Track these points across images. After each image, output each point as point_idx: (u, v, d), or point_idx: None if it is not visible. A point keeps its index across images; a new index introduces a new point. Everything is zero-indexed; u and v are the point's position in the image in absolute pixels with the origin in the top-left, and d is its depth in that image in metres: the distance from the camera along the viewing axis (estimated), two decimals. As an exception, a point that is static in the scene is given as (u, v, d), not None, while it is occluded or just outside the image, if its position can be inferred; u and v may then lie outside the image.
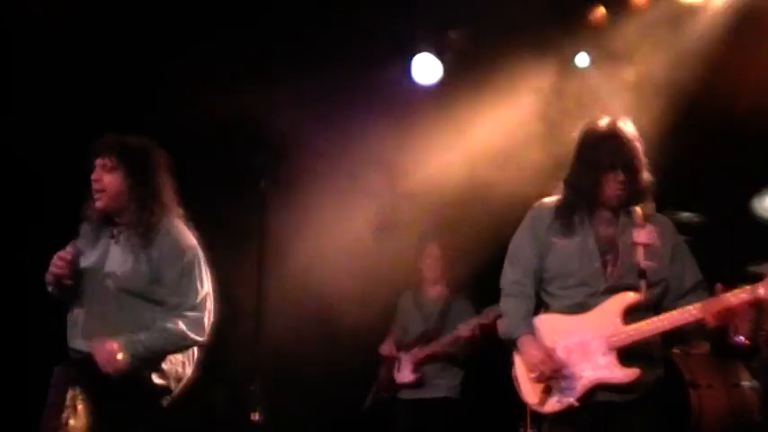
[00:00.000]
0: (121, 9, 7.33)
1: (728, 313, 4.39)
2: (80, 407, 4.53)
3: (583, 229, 4.65)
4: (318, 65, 7.75)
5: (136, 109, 7.27)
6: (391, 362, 7.63)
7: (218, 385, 7.64)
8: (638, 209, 4.60)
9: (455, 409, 7.45)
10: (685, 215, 7.46)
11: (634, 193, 4.63)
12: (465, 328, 7.18)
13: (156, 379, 4.76)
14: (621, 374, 4.41)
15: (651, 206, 4.69)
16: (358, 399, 7.76)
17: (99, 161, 4.76)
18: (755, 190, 7.56)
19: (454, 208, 8.25)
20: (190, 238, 4.86)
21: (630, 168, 4.61)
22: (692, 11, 7.86)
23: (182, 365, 4.86)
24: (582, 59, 8.43)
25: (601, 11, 8.24)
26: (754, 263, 6.69)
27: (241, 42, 7.69)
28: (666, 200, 7.46)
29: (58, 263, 4.70)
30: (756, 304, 6.54)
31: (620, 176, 4.59)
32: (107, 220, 4.84)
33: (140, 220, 4.74)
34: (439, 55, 8.55)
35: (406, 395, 7.51)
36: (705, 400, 6.69)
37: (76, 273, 4.78)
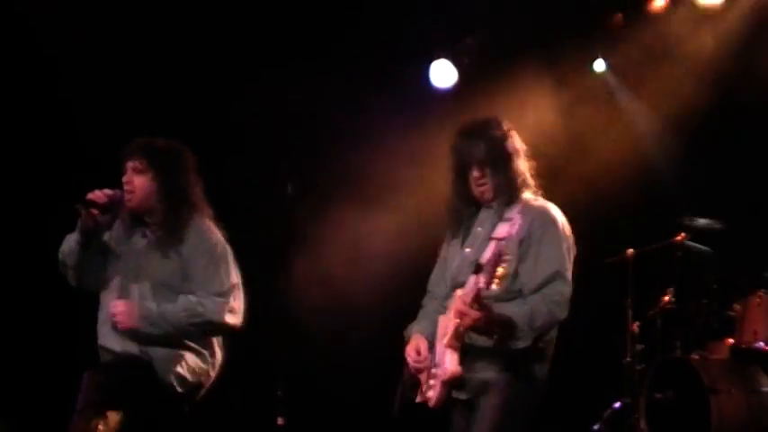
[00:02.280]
0: (157, 11, 7.38)
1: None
2: (110, 413, 4.55)
3: (464, 231, 4.67)
4: (339, 69, 7.76)
5: (168, 111, 7.31)
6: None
7: (243, 390, 7.64)
8: (512, 200, 4.55)
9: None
10: (703, 221, 7.48)
11: (499, 188, 4.55)
12: None
13: (180, 386, 4.78)
14: (445, 373, 4.41)
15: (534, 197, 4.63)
16: (384, 403, 7.75)
17: (129, 164, 4.84)
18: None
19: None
20: (218, 235, 4.93)
21: (485, 163, 4.54)
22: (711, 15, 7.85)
23: (206, 374, 4.89)
24: (599, 65, 8.46)
25: (618, 17, 8.26)
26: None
27: (258, 48, 7.72)
28: (686, 206, 7.60)
29: (96, 192, 4.78)
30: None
31: (476, 173, 4.55)
32: (138, 220, 4.92)
33: (170, 219, 4.82)
34: (455, 60, 8.58)
35: None
36: (725, 406, 6.66)
37: (104, 227, 4.89)
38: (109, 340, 4.83)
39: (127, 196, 4.83)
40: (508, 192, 4.53)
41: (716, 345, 7.20)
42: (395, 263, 7.81)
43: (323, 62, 7.78)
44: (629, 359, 7.45)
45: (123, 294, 4.85)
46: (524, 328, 4.34)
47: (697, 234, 7.44)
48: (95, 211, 4.75)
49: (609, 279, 7.80)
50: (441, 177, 7.88)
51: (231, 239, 5.00)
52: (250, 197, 7.03)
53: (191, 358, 4.82)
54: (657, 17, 8.05)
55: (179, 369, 4.78)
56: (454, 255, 4.69)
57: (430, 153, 8.10)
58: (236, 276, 4.89)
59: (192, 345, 4.84)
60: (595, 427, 7.48)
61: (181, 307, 4.75)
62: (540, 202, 4.59)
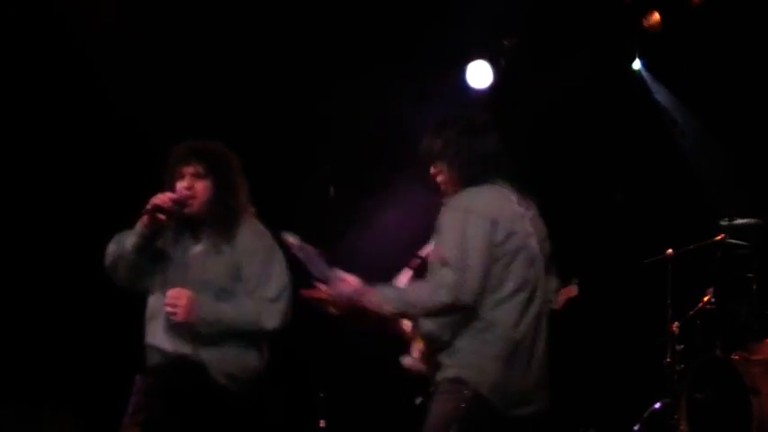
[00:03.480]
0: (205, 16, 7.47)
1: None
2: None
3: None
4: (379, 73, 7.80)
5: (210, 115, 7.41)
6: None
7: (285, 392, 7.68)
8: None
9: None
10: (742, 221, 7.45)
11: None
12: None
13: (233, 386, 4.80)
14: None
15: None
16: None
17: (189, 169, 4.83)
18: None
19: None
20: (267, 235, 4.94)
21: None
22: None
23: (257, 372, 4.91)
24: (637, 64, 8.45)
25: (656, 17, 8.23)
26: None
27: (300, 56, 7.78)
28: (726, 205, 7.57)
29: (161, 196, 4.76)
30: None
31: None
32: (186, 223, 4.90)
33: (222, 220, 4.83)
34: (492, 61, 8.61)
35: None
36: (766, 407, 6.62)
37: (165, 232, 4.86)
38: (159, 339, 4.81)
39: (188, 203, 4.81)
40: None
41: (757, 345, 7.12)
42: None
43: (362, 66, 7.83)
44: (669, 359, 7.41)
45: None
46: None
47: (736, 233, 7.41)
48: (162, 217, 4.75)
49: (649, 279, 7.78)
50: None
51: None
52: (291, 198, 7.08)
53: (242, 357, 4.82)
54: (696, 15, 7.99)
55: (231, 369, 4.78)
56: None
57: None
58: (285, 277, 4.89)
59: (244, 344, 4.84)
60: (636, 427, 7.47)
61: (237, 311, 4.75)
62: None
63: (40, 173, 7.71)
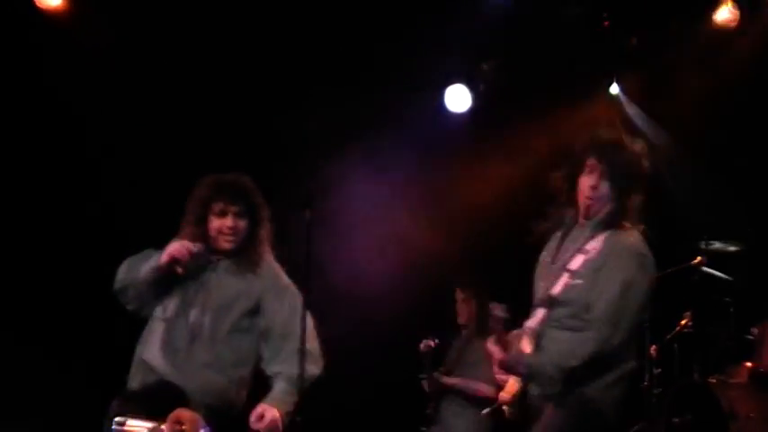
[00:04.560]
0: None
1: None
2: None
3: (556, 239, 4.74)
4: (356, 94, 7.82)
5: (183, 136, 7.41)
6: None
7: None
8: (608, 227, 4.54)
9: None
10: (720, 245, 7.48)
11: (611, 207, 4.59)
12: (471, 386, 7.21)
13: (207, 414, 4.78)
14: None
15: None
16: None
17: (232, 208, 4.90)
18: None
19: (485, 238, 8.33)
20: (279, 269, 5.04)
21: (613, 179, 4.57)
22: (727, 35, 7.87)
23: (235, 406, 4.93)
24: (614, 88, 8.51)
25: (633, 41, 8.29)
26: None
27: (277, 76, 7.80)
28: (703, 229, 7.59)
29: (180, 249, 4.80)
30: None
31: (593, 182, 4.58)
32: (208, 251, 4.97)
33: (248, 252, 4.93)
34: (470, 85, 8.64)
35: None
36: (744, 431, 6.64)
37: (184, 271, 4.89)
38: (153, 355, 4.82)
39: (229, 238, 4.91)
40: (612, 215, 4.53)
41: (734, 369, 7.16)
42: (409, 287, 7.85)
43: (340, 88, 7.85)
44: (647, 383, 7.41)
45: (181, 319, 4.86)
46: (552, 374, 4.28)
47: (714, 257, 7.43)
48: (180, 270, 4.82)
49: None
50: (456, 197, 7.98)
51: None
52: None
53: (227, 391, 4.87)
54: (673, 40, 8.05)
55: (213, 401, 4.78)
56: (542, 266, 4.68)
57: (444, 174, 8.22)
58: (310, 319, 4.92)
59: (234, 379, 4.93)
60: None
61: (296, 388, 4.78)
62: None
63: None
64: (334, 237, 7.27)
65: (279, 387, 4.82)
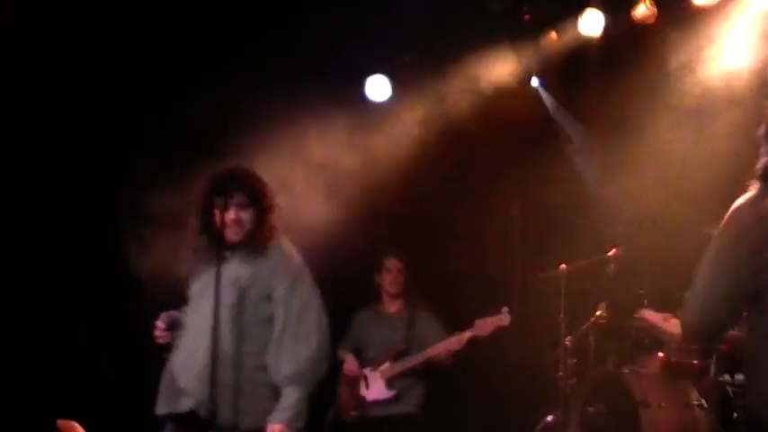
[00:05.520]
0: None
1: None
2: None
3: None
4: (280, 85, 7.81)
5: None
6: (356, 380, 7.58)
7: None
8: None
9: (420, 424, 7.47)
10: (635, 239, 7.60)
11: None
12: (439, 349, 7.25)
13: None
14: None
15: None
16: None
17: (233, 200, 4.93)
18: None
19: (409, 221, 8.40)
20: (297, 255, 5.07)
21: None
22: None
23: None
24: (534, 81, 8.60)
25: (552, 36, 8.37)
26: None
27: (198, 61, 7.75)
28: (616, 221, 7.69)
29: (156, 333, 4.98)
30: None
31: None
32: (216, 244, 4.96)
33: (255, 241, 4.96)
34: (392, 77, 8.68)
35: (377, 412, 7.47)
36: (656, 420, 6.75)
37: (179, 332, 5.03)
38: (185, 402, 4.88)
39: (234, 230, 4.92)
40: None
41: (647, 359, 7.28)
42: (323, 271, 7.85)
43: (261, 77, 7.82)
44: (561, 373, 7.51)
45: (200, 316, 4.89)
46: None
47: (629, 249, 7.54)
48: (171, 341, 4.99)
49: (542, 294, 7.89)
50: (375, 187, 8.00)
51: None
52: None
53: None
54: (591, 36, 8.15)
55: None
56: None
57: (364, 165, 8.23)
58: (317, 299, 5.00)
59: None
60: (530, 440, 7.56)
61: (306, 388, 4.86)
62: None
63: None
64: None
65: (288, 398, 4.82)
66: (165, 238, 5.89)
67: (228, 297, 4.83)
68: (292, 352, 4.84)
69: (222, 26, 7.76)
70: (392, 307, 7.72)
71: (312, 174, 7.53)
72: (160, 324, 4.98)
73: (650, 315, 3.88)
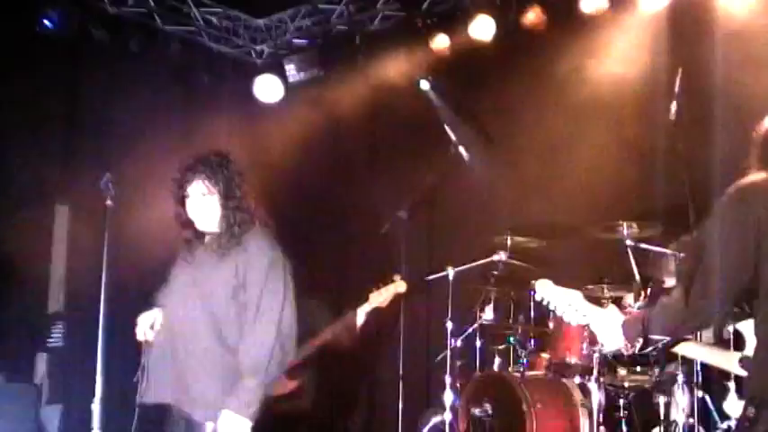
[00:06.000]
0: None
1: None
2: None
3: None
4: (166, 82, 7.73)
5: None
6: None
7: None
8: None
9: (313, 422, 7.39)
10: (521, 240, 7.66)
11: None
12: (329, 333, 7.19)
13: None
14: None
15: None
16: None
17: (195, 188, 4.90)
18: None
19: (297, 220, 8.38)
20: (273, 244, 4.98)
21: None
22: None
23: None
24: (424, 84, 8.64)
25: (443, 38, 8.43)
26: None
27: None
28: (505, 224, 7.77)
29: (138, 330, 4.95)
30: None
31: None
32: (199, 235, 4.98)
33: (232, 228, 4.87)
34: (281, 76, 8.65)
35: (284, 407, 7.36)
36: (540, 420, 6.81)
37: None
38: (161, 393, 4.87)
39: (199, 220, 4.91)
40: None
41: (532, 360, 7.36)
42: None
43: (146, 75, 7.74)
44: (448, 375, 7.52)
45: (180, 306, 4.88)
46: None
47: (514, 252, 7.61)
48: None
49: (430, 295, 7.91)
50: (264, 187, 7.95)
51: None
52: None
53: None
54: (482, 40, 8.23)
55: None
56: None
57: (252, 164, 8.17)
58: (288, 290, 4.92)
59: None
60: (417, 441, 7.56)
61: (266, 374, 4.80)
62: None
63: None
64: (138, 224, 7.15)
65: (243, 385, 4.75)
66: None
67: (206, 287, 4.83)
68: (255, 340, 4.79)
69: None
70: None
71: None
72: (142, 321, 4.94)
73: (554, 289, 3.82)
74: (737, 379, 5.77)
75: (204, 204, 4.89)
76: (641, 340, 3.55)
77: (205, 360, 4.77)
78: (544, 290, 3.84)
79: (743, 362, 3.60)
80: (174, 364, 4.79)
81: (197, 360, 4.76)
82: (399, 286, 7.11)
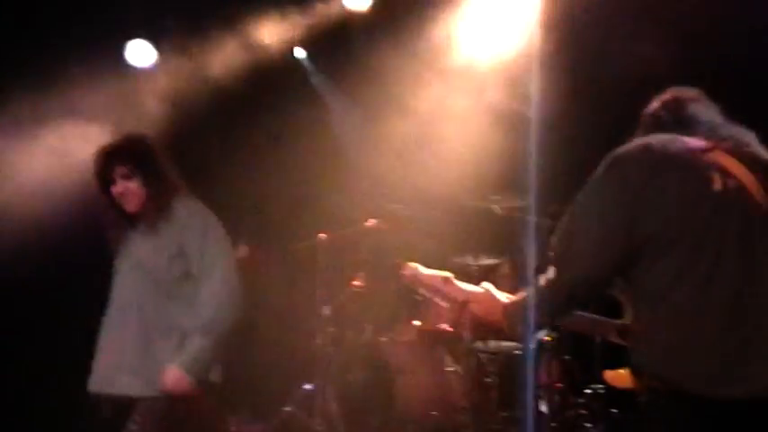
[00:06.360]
0: None
1: None
2: None
3: None
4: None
5: None
6: None
7: None
8: None
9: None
10: (394, 207, 7.74)
11: None
12: None
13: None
14: None
15: None
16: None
17: (118, 171, 4.92)
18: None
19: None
20: (204, 209, 5.03)
21: None
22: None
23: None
24: (299, 52, 8.64)
25: (318, 8, 8.43)
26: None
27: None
28: (379, 192, 7.84)
29: None
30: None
31: None
32: (129, 219, 4.99)
33: (156, 204, 4.91)
34: (154, 41, 8.52)
35: None
36: (411, 386, 6.93)
37: None
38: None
39: (126, 202, 4.93)
40: None
41: (404, 327, 7.46)
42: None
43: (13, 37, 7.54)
44: (319, 342, 7.57)
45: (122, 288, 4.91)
46: None
47: (387, 220, 7.68)
48: None
49: (302, 263, 7.93)
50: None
51: None
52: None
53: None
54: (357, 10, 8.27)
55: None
56: None
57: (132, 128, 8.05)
58: (227, 249, 4.99)
59: None
60: (287, 408, 7.57)
61: (211, 339, 4.80)
62: None
63: None
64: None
65: (191, 344, 4.76)
66: None
67: (146, 265, 4.84)
68: (202, 302, 4.81)
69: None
70: None
71: (75, 140, 7.33)
72: None
73: (425, 274, 3.74)
74: (606, 345, 6.03)
75: (129, 187, 4.92)
76: (524, 327, 3.56)
77: (157, 337, 4.80)
78: (413, 276, 3.77)
79: (620, 331, 3.69)
80: (125, 347, 4.80)
81: (150, 339, 4.79)
82: (241, 251, 7.16)
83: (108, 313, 4.96)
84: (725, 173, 3.32)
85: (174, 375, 4.71)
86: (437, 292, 3.72)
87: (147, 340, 4.78)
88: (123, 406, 4.75)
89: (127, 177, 4.92)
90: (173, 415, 4.75)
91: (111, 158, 4.96)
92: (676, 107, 3.57)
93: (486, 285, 3.69)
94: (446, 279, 3.71)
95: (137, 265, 4.89)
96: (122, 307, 4.89)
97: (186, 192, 5.07)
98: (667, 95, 3.65)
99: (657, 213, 3.27)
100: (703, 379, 3.18)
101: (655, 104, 3.64)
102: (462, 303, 3.66)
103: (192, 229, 4.90)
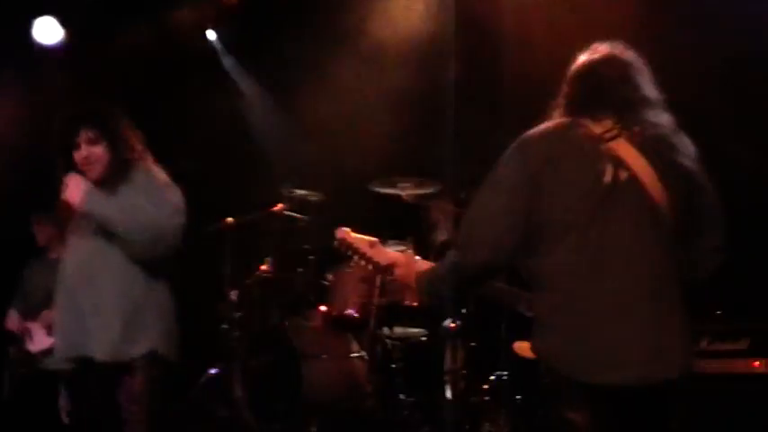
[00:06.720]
0: None
1: None
2: None
3: None
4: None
5: None
6: (21, 335, 7.27)
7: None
8: None
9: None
10: (301, 192, 7.72)
11: None
12: None
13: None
14: None
15: None
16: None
17: (83, 136, 4.77)
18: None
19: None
20: (167, 178, 4.93)
21: None
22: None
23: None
24: (211, 35, 8.59)
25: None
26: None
27: None
28: (286, 177, 7.83)
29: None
30: (367, 278, 6.99)
31: None
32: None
33: (118, 169, 4.80)
34: (62, 18, 8.39)
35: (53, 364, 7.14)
36: (317, 371, 6.92)
37: None
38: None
39: (89, 168, 4.77)
40: None
41: (311, 312, 7.45)
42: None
43: None
44: (226, 326, 7.53)
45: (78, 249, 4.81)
46: None
47: (295, 205, 7.67)
48: None
49: (208, 247, 7.88)
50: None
51: None
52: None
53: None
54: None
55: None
56: None
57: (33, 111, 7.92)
58: (179, 200, 4.88)
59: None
60: (192, 393, 7.52)
61: (131, 211, 4.67)
62: None
63: None
64: None
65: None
66: None
67: (104, 233, 4.71)
68: (157, 211, 4.73)
69: None
70: (54, 252, 7.39)
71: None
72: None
73: (354, 236, 3.85)
74: (512, 331, 6.10)
75: (94, 152, 4.79)
76: (431, 298, 3.67)
77: (112, 301, 4.71)
78: (344, 237, 3.92)
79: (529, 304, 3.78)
80: (79, 315, 4.73)
81: (104, 304, 4.71)
82: None
83: (61, 280, 4.87)
84: (619, 164, 3.39)
85: (78, 184, 4.69)
86: (363, 255, 3.85)
87: (100, 306, 4.71)
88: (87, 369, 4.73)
89: (92, 142, 4.80)
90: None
91: (77, 122, 4.84)
92: (594, 83, 3.59)
93: (409, 252, 3.81)
94: (372, 243, 3.87)
95: (94, 234, 4.76)
96: (77, 280, 4.78)
97: (152, 160, 4.99)
98: (589, 65, 3.62)
99: (552, 201, 3.36)
100: (589, 366, 3.30)
101: (574, 75, 3.65)
102: (385, 267, 3.80)
103: (150, 193, 4.79)
